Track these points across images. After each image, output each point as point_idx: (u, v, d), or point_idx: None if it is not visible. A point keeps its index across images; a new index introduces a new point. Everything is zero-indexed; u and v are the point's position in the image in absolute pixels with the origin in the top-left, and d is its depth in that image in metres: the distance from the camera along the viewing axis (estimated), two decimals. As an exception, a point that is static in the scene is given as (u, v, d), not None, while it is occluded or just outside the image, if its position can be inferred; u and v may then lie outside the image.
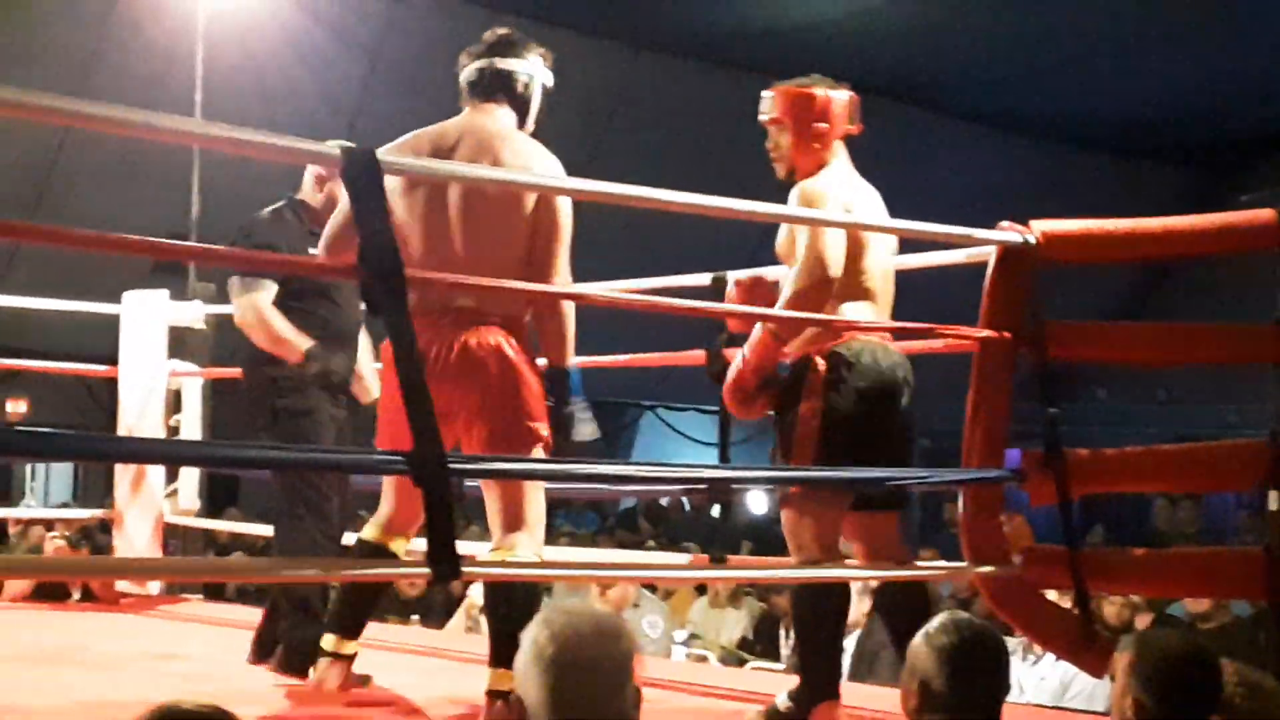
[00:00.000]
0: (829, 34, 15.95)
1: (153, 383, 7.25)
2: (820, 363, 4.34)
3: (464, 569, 3.33)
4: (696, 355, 5.37)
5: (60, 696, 4.52)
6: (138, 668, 5.21)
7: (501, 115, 4.39)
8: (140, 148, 11.62)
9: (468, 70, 4.47)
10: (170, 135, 3.29)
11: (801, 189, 4.45)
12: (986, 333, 4.49)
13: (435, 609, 8.18)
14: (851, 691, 5.32)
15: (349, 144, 3.22)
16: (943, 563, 5.78)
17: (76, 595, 7.12)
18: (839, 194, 4.42)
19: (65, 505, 15.45)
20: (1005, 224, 4.54)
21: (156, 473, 7.17)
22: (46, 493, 17.44)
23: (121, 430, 7.27)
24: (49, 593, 7.02)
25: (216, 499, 11.03)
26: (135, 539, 7.18)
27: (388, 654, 5.85)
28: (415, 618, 8.11)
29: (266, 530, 8.70)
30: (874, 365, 4.35)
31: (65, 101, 3.04)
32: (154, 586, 7.27)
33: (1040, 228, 4.52)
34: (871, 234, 4.46)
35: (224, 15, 11.83)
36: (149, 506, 7.22)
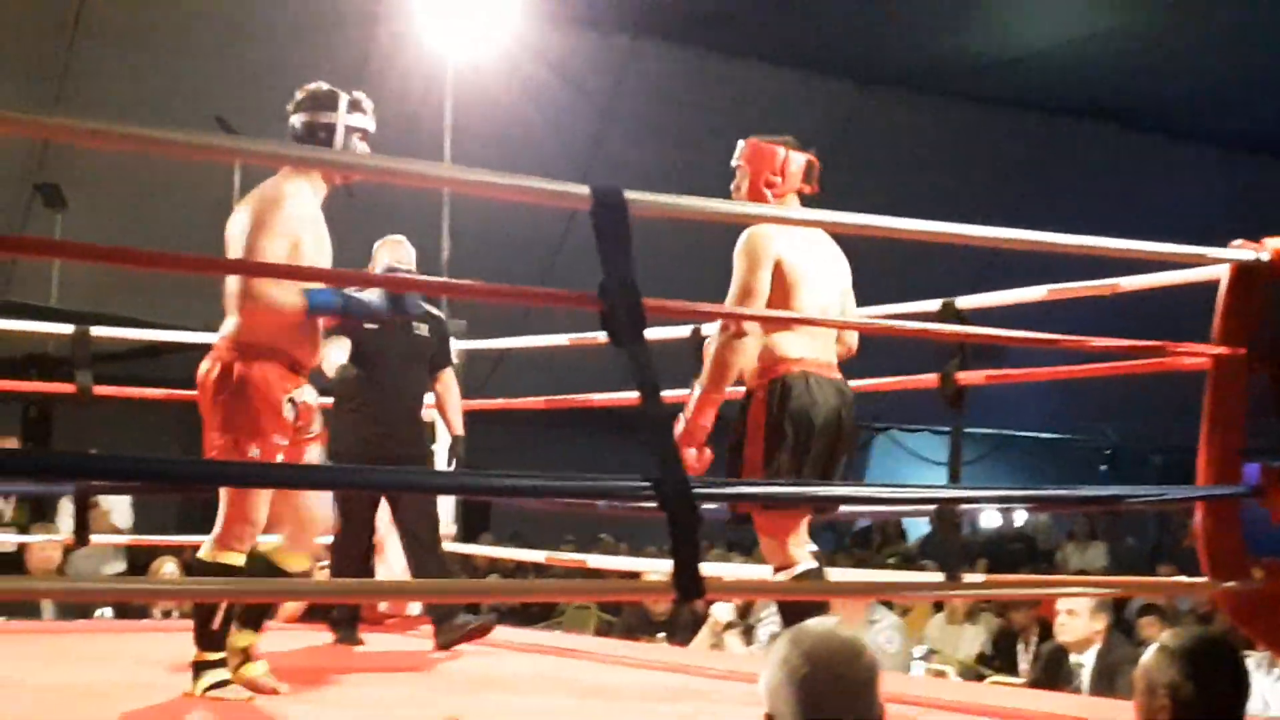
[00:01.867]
0: (1054, 62, 15.71)
1: (410, 415, 7.40)
2: (761, 394, 4.64)
3: (708, 588, 3.34)
4: (929, 378, 5.32)
5: (333, 707, 4.65)
6: (401, 685, 5.33)
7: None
8: (394, 193, 11.92)
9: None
10: (430, 181, 3.37)
11: (749, 232, 4.71)
12: (1220, 350, 4.37)
13: (681, 627, 8.22)
14: (1091, 706, 5.22)
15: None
16: (1183, 578, 5.61)
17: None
18: (780, 240, 4.67)
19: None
20: (1237, 242, 4.43)
21: (415, 500, 7.31)
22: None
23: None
24: (319, 613, 7.20)
25: (471, 524, 11.25)
26: (395, 563, 7.33)
27: (640, 671, 5.91)
28: (661, 635, 8.15)
29: (519, 554, 8.87)
30: (806, 393, 4.62)
31: (327, 153, 3.14)
32: (414, 608, 7.42)
33: (1273, 245, 4.39)
34: (813, 271, 4.72)
35: (469, 68, 12.10)
36: (409, 532, 7.37)
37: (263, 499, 4.67)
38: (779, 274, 4.68)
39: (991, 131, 17.44)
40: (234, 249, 4.66)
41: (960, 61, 16.18)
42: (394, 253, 6.35)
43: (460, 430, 6.60)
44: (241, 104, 12.69)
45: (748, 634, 8.01)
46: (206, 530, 4.71)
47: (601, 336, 3.26)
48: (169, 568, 8.34)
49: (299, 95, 4.92)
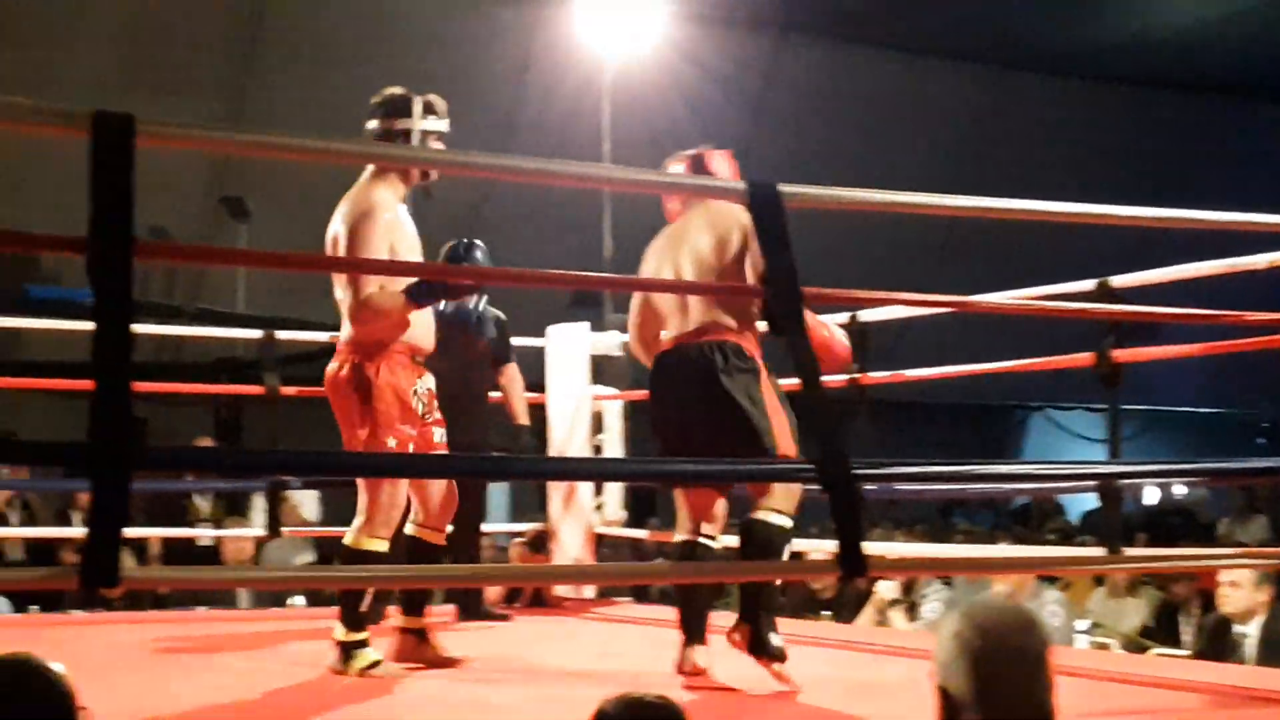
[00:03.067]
0: (1194, 40, 15.35)
1: (577, 406, 7.49)
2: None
3: (871, 566, 3.32)
4: (1083, 357, 5.25)
5: (515, 685, 4.72)
6: (579, 664, 5.37)
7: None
8: (555, 194, 12.02)
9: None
10: (593, 181, 3.40)
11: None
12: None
13: (846, 605, 8.18)
14: (1258, 676, 5.11)
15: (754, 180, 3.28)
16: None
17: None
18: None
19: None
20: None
21: (585, 488, 7.38)
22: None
23: (551, 451, 7.53)
24: (507, 596, 7.30)
25: (639, 509, 11.29)
26: (569, 548, 7.41)
27: (806, 649, 5.89)
28: (826, 614, 8.12)
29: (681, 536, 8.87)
30: (656, 373, 4.81)
31: (505, 159, 3.17)
32: (589, 591, 7.49)
33: None
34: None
35: (625, 71, 12.14)
36: (579, 519, 7.45)
37: (403, 486, 4.81)
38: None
39: (1134, 112, 17.09)
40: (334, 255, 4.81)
41: (1099, 43, 15.88)
42: None
43: (525, 420, 6.76)
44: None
45: (912, 610, 7.96)
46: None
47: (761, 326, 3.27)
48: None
49: (374, 101, 4.92)
